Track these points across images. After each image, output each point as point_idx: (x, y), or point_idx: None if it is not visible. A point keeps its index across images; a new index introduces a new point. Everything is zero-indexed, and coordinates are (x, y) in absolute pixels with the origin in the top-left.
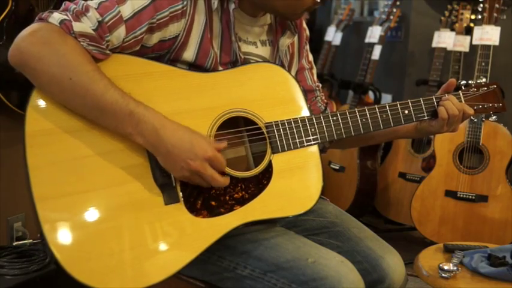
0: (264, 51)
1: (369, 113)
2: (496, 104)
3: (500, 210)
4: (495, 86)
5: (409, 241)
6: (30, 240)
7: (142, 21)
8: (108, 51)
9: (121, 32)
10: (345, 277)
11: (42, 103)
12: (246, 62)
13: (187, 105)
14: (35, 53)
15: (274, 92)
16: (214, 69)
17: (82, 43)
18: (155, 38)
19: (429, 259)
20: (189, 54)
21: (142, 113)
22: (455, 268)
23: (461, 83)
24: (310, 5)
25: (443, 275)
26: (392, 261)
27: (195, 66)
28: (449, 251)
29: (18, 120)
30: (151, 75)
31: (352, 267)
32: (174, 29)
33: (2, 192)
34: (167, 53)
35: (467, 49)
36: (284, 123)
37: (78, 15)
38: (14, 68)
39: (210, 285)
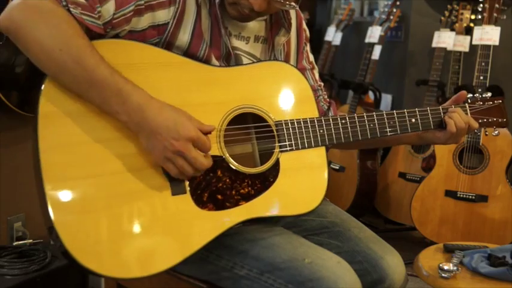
0: (254, 48)
1: (377, 119)
2: (500, 119)
3: (500, 210)
4: (500, 101)
5: (409, 241)
6: (30, 240)
7: (130, 0)
8: (100, 23)
9: (110, 6)
10: (341, 278)
11: (56, 85)
12: (236, 57)
13: (199, 98)
14: (26, 21)
15: (286, 91)
16: (207, 60)
17: (74, 10)
18: (144, 21)
19: (429, 259)
20: (182, 42)
21: (129, 91)
22: (455, 268)
23: (468, 96)
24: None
25: (443, 275)
26: (392, 261)
27: (189, 55)
28: (449, 251)
29: (18, 120)
30: (166, 65)
31: (349, 268)
32: (164, 15)
33: (2, 192)
34: (160, 41)
35: (467, 49)
36: (293, 122)
37: None
38: (14, 68)
39: (210, 285)
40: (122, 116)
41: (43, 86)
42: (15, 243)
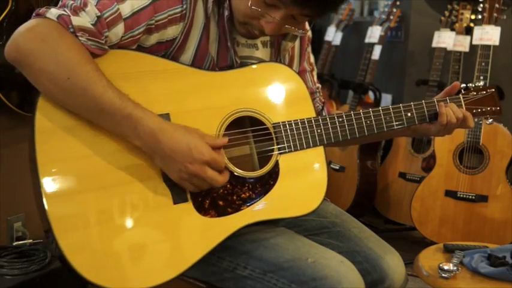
0: (265, 53)
1: (373, 115)
2: (493, 108)
3: (500, 210)
4: (493, 90)
5: (409, 241)
6: (30, 240)
7: (141, 21)
8: (106, 47)
9: (119, 29)
10: (345, 277)
11: (51, 100)
12: (243, 64)
13: (196, 104)
14: (33, 50)
15: (282, 92)
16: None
17: (81, 38)
18: (153, 39)
19: (429, 259)
20: (186, 57)
21: (140, 115)
22: (455, 268)
23: (461, 86)
24: (251, 17)
25: (443, 275)
26: (392, 261)
27: None
28: (449, 251)
29: (18, 120)
30: (162, 73)
31: (352, 267)
32: (172, 31)
33: (2, 192)
34: (164, 55)
35: (467, 49)
36: (291, 123)
37: (77, 10)
38: (14, 68)
39: (211, 285)
40: (134, 139)
41: (38, 100)
42: (15, 243)
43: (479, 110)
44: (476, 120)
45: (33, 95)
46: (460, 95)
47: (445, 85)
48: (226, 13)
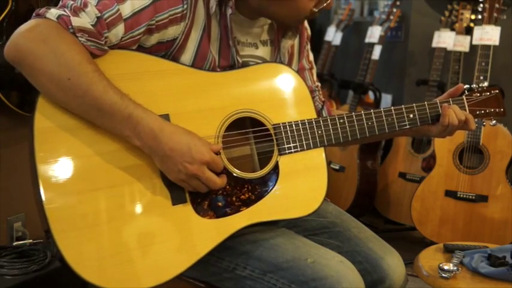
0: (265, 51)
1: (375, 116)
2: (497, 109)
3: (500, 210)
4: (497, 91)
5: (409, 241)
6: (30, 240)
7: (141, 22)
8: (106, 48)
9: (119, 30)
10: (344, 277)
11: (51, 100)
12: (244, 65)
13: (196, 105)
14: (33, 50)
15: (283, 93)
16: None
17: (80, 38)
18: (154, 39)
19: (429, 259)
20: (187, 57)
21: (140, 115)
22: (455, 268)
23: (465, 87)
24: (308, 14)
25: (443, 275)
26: (392, 261)
27: None
28: (449, 251)
29: (18, 120)
30: (161, 73)
31: (351, 267)
32: (173, 31)
33: (2, 192)
34: (165, 55)
35: (467, 49)
36: (292, 124)
37: (76, 11)
38: (14, 68)
39: (210, 285)
40: (134, 139)
41: (38, 100)
42: (15, 243)
43: (482, 112)
44: (476, 120)
45: (33, 95)
46: (464, 97)
47: (445, 85)
48: (229, 11)
